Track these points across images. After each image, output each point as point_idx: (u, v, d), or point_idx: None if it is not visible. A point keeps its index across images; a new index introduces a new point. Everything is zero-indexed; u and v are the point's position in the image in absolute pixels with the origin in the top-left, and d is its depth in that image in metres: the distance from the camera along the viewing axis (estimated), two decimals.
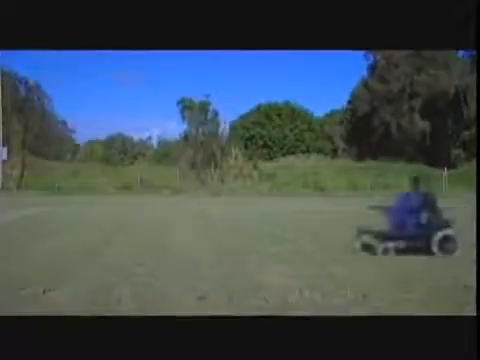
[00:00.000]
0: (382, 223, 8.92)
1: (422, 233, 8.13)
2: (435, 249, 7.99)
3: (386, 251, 7.98)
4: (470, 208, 8.35)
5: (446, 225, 8.23)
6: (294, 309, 4.80)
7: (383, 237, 8.18)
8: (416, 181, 8.78)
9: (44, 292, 5.51)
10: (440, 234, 8.06)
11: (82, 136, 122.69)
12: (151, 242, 9.77)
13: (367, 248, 8.20)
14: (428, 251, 7.99)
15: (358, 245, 8.35)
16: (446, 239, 8.08)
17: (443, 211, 8.45)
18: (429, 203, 8.34)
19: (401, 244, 8.11)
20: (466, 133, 43.11)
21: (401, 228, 8.29)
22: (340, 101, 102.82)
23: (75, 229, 12.42)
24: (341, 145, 52.30)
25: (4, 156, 37.11)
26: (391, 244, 8.04)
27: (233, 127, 50.62)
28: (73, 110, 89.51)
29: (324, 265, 7.22)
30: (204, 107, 43.33)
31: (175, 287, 5.78)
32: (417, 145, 45.27)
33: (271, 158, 47.72)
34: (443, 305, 4.93)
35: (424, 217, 8.19)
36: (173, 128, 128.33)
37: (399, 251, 8.04)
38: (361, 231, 8.55)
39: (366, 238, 8.34)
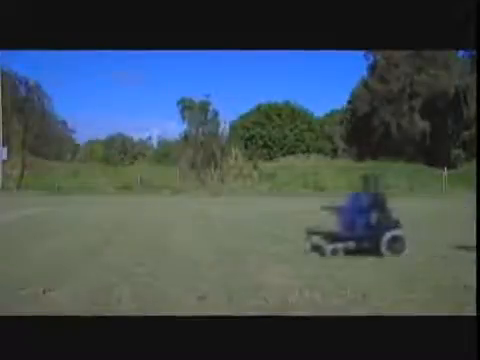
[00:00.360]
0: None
1: (371, 233, 8.03)
2: (384, 249, 7.90)
3: (335, 252, 7.86)
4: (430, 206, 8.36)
5: (395, 225, 8.14)
6: (294, 309, 4.80)
7: (332, 238, 8.04)
8: (366, 181, 8.68)
9: (44, 292, 5.51)
10: (389, 234, 7.97)
11: (82, 136, 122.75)
12: (151, 242, 9.77)
13: (316, 249, 8.08)
14: (377, 252, 7.91)
15: (308, 246, 8.24)
16: (395, 239, 8.01)
17: (392, 211, 8.32)
18: (379, 203, 8.22)
19: (350, 245, 8.01)
20: (466, 133, 43.13)
21: (351, 229, 8.18)
22: (340, 101, 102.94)
23: (75, 229, 12.42)
24: (341, 145, 52.31)
25: (4, 156, 37.13)
26: (340, 245, 7.93)
27: (233, 127, 50.65)
28: (73, 110, 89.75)
29: (324, 265, 7.22)
30: (204, 107, 43.37)
31: (175, 287, 5.78)
32: (417, 145, 45.29)
33: (271, 158, 47.75)
34: (443, 305, 4.93)
35: (373, 217, 8.08)
36: (173, 128, 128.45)
37: (348, 252, 7.94)
38: (311, 232, 8.38)
39: (315, 239, 8.20)
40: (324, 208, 8.89)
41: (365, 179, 8.74)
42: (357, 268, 7.00)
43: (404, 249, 8.02)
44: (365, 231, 8.07)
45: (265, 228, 12.36)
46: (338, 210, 8.63)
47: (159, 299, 5.25)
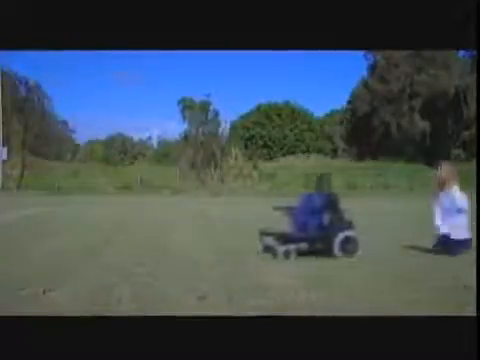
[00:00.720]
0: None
1: (324, 234, 7.88)
2: (336, 251, 7.77)
3: (287, 253, 7.64)
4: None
5: (348, 226, 8.00)
6: (294, 309, 4.80)
7: (285, 239, 7.81)
8: (320, 181, 8.55)
9: (44, 292, 5.51)
10: (342, 235, 7.83)
11: (82, 136, 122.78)
12: (151, 242, 9.77)
13: (269, 250, 7.91)
14: (330, 253, 7.78)
15: (260, 247, 8.08)
16: (347, 240, 7.87)
17: (345, 212, 8.20)
18: (331, 204, 8.08)
19: (303, 246, 7.83)
20: (466, 133, 43.15)
21: (303, 229, 8.00)
22: (340, 101, 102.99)
23: (75, 229, 12.42)
24: (341, 145, 52.32)
25: (4, 156, 37.13)
26: (292, 246, 7.71)
27: (233, 127, 50.65)
28: (73, 110, 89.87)
29: (324, 265, 7.22)
30: (205, 107, 43.37)
31: (175, 287, 5.78)
32: (417, 145, 45.31)
33: (271, 158, 47.76)
34: (443, 305, 4.93)
35: (326, 218, 7.91)
36: (173, 128, 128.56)
37: (301, 253, 7.76)
38: (263, 233, 8.16)
39: (268, 240, 7.99)
40: (276, 208, 8.58)
41: (318, 179, 8.61)
42: (357, 268, 7.00)
43: (357, 250, 7.87)
44: (318, 232, 7.91)
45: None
46: (290, 211, 8.43)
47: (159, 299, 5.25)
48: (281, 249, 7.66)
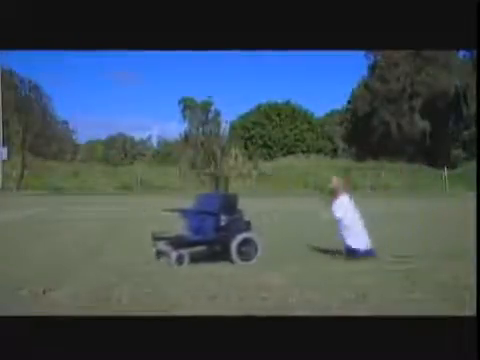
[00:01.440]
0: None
1: (221, 237, 7.52)
2: (234, 253, 7.40)
3: (180, 258, 7.17)
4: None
5: (246, 228, 7.70)
6: (294, 309, 4.80)
7: (179, 243, 7.39)
8: (217, 181, 8.39)
9: (44, 292, 5.51)
10: (239, 237, 7.47)
11: (82, 136, 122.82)
12: (151, 242, 9.75)
13: (162, 255, 7.45)
14: (227, 256, 7.45)
15: (154, 252, 7.61)
16: (245, 242, 7.52)
17: (243, 212, 7.85)
18: (229, 205, 7.75)
19: (200, 249, 7.56)
20: (466, 133, 43.15)
21: (199, 232, 7.59)
22: (340, 101, 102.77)
23: (75, 229, 12.41)
24: (341, 145, 52.31)
25: (4, 156, 37.11)
26: (186, 251, 7.29)
27: (233, 127, 50.64)
28: (73, 110, 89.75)
29: (324, 265, 7.22)
30: (205, 107, 43.38)
31: (175, 287, 5.78)
32: (417, 145, 45.30)
33: (271, 158, 47.72)
34: (443, 305, 4.93)
35: (223, 220, 7.53)
36: (173, 128, 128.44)
37: (196, 258, 7.39)
38: (156, 237, 7.62)
39: (160, 245, 7.51)
40: (168, 210, 8.17)
41: (216, 179, 8.45)
42: (357, 268, 7.00)
43: (256, 253, 7.56)
44: (214, 234, 7.52)
45: (265, 228, 12.33)
46: (185, 213, 8.08)
47: (159, 299, 5.25)
48: (174, 254, 7.19)
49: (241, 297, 5.30)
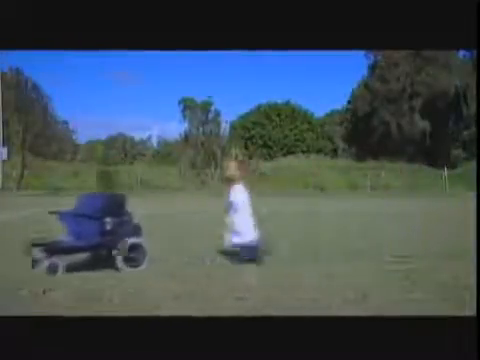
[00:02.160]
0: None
1: (105, 242, 6.77)
2: (119, 260, 6.74)
3: (54, 268, 6.38)
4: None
5: (134, 232, 7.00)
6: (293, 309, 4.80)
7: (54, 250, 6.58)
8: (103, 179, 7.53)
9: (44, 292, 5.51)
10: (126, 242, 6.79)
11: (82, 136, 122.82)
12: (151, 242, 9.75)
13: (36, 264, 6.56)
14: (112, 263, 6.77)
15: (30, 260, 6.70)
16: (132, 248, 6.84)
17: (132, 215, 7.18)
18: (115, 206, 7.03)
19: (78, 257, 6.91)
20: (466, 133, 43.15)
21: (80, 238, 6.82)
22: (340, 101, 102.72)
23: None
24: (341, 145, 52.32)
25: (4, 156, 37.10)
26: (61, 258, 6.52)
27: (233, 127, 50.65)
28: (73, 110, 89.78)
29: (324, 265, 7.21)
30: (206, 107, 43.38)
31: (175, 287, 5.78)
32: (417, 145, 45.32)
33: (271, 158, 47.72)
34: (443, 305, 4.93)
35: (108, 223, 6.75)
36: (173, 128, 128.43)
37: (75, 266, 6.73)
38: (33, 243, 6.73)
39: (35, 252, 6.58)
40: (52, 212, 7.37)
41: (101, 177, 7.53)
42: (357, 268, 7.00)
43: (144, 259, 6.92)
44: (98, 239, 6.76)
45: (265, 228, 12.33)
46: (63, 216, 7.25)
47: (159, 299, 5.25)
48: (46, 263, 6.43)
49: (240, 297, 5.30)
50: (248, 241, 7.37)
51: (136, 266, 6.83)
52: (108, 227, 6.77)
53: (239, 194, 7.56)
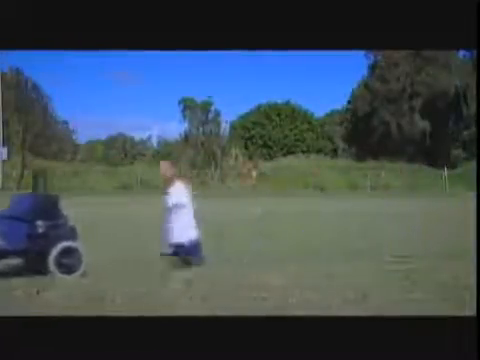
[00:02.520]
0: None
1: (37, 246, 6.32)
2: (52, 266, 6.24)
3: None
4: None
5: (69, 235, 6.55)
6: (294, 309, 4.80)
7: None
8: (37, 178, 7.14)
9: (38, 292, 5.49)
10: (59, 246, 6.31)
11: (82, 136, 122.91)
12: (151, 242, 9.76)
13: None
14: (44, 269, 6.27)
15: None
16: (66, 253, 6.35)
17: (66, 217, 6.82)
18: (46, 208, 6.61)
19: (8, 262, 6.48)
20: (466, 133, 43.15)
21: (9, 241, 6.30)
22: (340, 101, 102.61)
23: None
24: (341, 145, 52.32)
25: (4, 156, 37.10)
26: None
27: (233, 127, 50.65)
28: (73, 110, 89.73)
29: (324, 265, 7.22)
30: (206, 107, 43.39)
31: (175, 287, 5.78)
32: (417, 145, 45.32)
33: (271, 158, 47.72)
34: (443, 305, 4.92)
35: (40, 225, 6.35)
36: (173, 128, 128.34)
37: (2, 272, 6.37)
38: None
39: None
40: None
41: (34, 177, 7.15)
42: (357, 268, 7.00)
43: (80, 264, 6.42)
44: (28, 244, 6.31)
45: (265, 228, 12.35)
46: None
47: (159, 299, 5.26)
48: None
49: (239, 297, 5.30)
50: (188, 240, 7.25)
51: (70, 272, 6.33)
52: (39, 230, 6.39)
53: (178, 193, 7.34)
